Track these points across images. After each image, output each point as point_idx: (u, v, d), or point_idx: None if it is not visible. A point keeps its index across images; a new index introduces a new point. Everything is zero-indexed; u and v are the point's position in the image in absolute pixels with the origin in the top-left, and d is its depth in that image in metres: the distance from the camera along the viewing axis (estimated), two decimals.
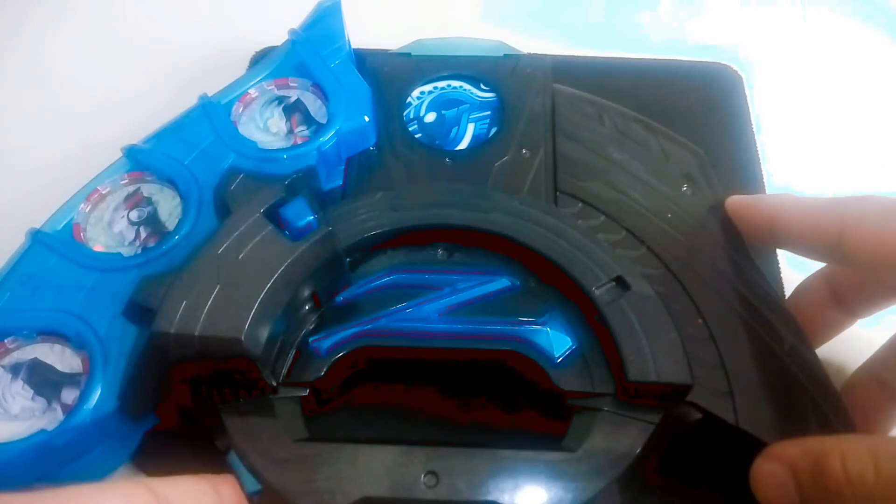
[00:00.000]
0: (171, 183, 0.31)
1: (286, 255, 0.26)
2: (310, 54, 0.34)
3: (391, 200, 0.29)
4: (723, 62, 0.39)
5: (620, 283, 0.27)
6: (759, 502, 0.24)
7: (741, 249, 0.29)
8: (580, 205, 0.30)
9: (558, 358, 0.27)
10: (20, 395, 0.26)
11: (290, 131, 0.33)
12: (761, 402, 0.25)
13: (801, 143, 0.38)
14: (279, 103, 0.34)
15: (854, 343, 0.29)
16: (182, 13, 0.43)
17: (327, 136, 0.32)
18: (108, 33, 0.42)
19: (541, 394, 0.27)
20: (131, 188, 0.31)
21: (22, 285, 0.27)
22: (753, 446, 0.24)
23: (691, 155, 0.32)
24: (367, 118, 0.32)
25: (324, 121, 0.33)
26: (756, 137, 0.37)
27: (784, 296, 0.30)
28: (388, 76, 0.36)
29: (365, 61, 0.36)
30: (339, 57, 0.34)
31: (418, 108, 0.35)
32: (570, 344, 0.27)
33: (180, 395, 0.26)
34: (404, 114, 0.35)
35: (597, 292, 0.27)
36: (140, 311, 0.26)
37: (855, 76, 0.41)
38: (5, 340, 0.27)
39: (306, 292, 0.27)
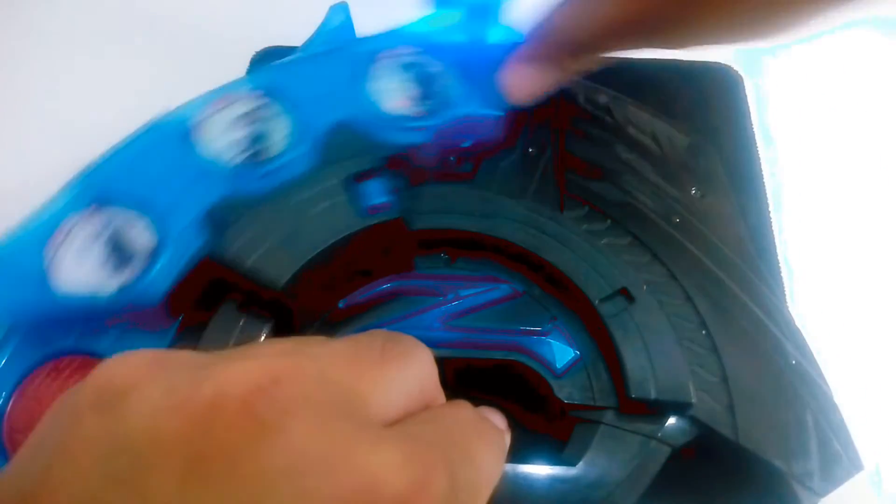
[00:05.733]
0: (286, 113, 0.30)
1: (345, 228, 0.26)
2: (465, 30, 0.32)
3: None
4: (723, 62, 0.38)
5: (625, 295, 0.27)
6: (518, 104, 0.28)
7: (748, 258, 0.29)
8: (587, 208, 0.30)
9: (560, 369, 0.26)
10: (91, 256, 0.27)
11: (413, 103, 0.31)
12: (762, 418, 0.25)
13: (801, 143, 0.38)
14: (411, 69, 0.32)
15: (858, 360, 0.29)
16: (182, 13, 0.42)
17: (454, 118, 0.30)
18: (108, 33, 0.42)
19: (542, 404, 0.27)
20: (252, 105, 0.30)
21: (132, 160, 0.28)
22: (753, 461, 0.25)
23: (703, 156, 0.32)
24: (502, 112, 0.31)
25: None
26: (756, 137, 0.36)
27: (787, 302, 0.30)
28: None
29: None
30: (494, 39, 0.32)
31: None
32: (573, 355, 0.27)
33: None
34: None
35: (600, 304, 0.26)
36: (214, 223, 0.27)
37: (855, 76, 0.41)
38: (93, 205, 0.27)
39: (356, 269, 0.28)
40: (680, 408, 0.25)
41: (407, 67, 0.31)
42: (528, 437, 0.27)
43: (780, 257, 0.32)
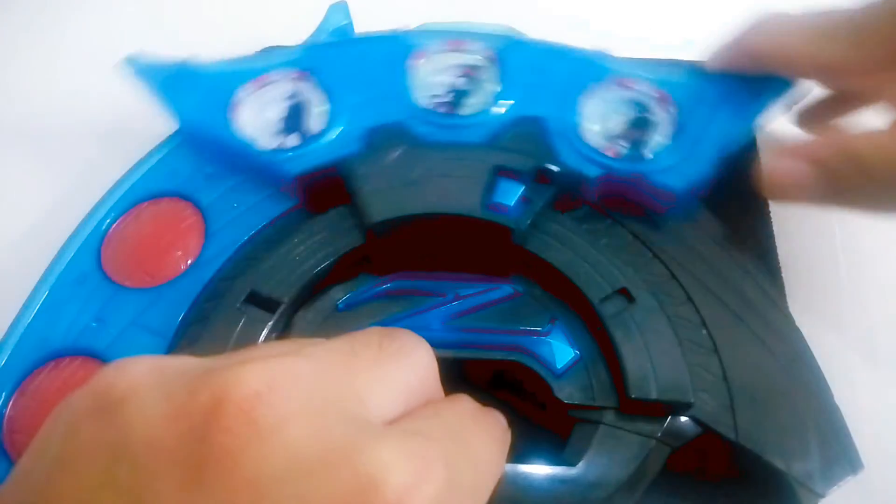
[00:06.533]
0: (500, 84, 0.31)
1: (458, 206, 0.27)
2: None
3: None
4: None
5: (625, 295, 0.27)
6: (772, 198, 0.26)
7: (749, 256, 0.29)
8: (587, 208, 0.30)
9: (560, 369, 0.26)
10: (273, 110, 0.31)
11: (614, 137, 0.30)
12: (762, 418, 0.25)
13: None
14: (637, 108, 0.31)
15: (859, 360, 0.29)
16: (181, 12, 0.42)
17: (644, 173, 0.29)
18: (108, 33, 0.42)
19: (541, 404, 0.27)
20: (478, 62, 0.32)
21: (355, 53, 0.32)
22: (752, 460, 0.25)
23: None
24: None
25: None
26: (756, 137, 0.36)
27: (786, 300, 0.30)
28: None
29: None
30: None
31: None
32: (573, 355, 0.27)
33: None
34: None
35: (600, 304, 0.26)
36: (370, 141, 0.29)
37: None
38: (301, 72, 0.31)
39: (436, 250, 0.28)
40: (680, 408, 0.25)
41: (634, 104, 0.31)
42: (528, 437, 0.27)
43: (779, 257, 0.32)
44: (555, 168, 0.29)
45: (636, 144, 0.30)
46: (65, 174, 0.35)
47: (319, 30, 0.34)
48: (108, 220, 0.29)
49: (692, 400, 0.25)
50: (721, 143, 0.29)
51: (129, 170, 0.30)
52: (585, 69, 0.31)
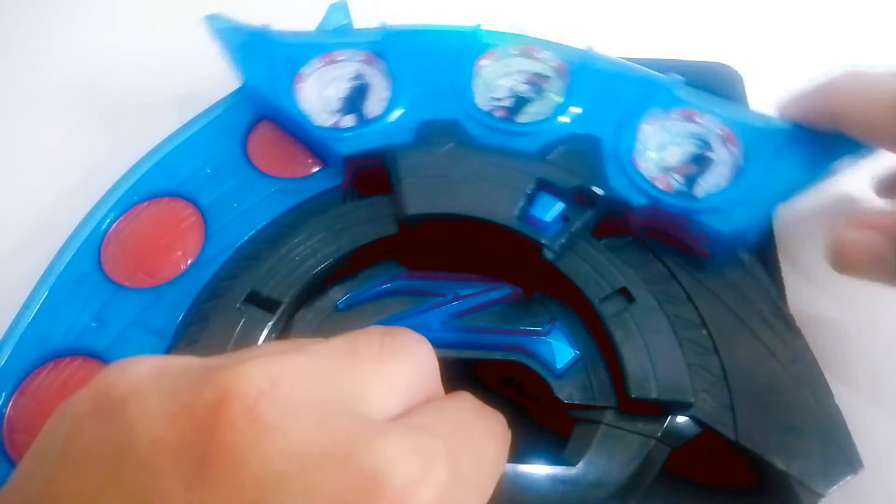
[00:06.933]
0: (565, 97, 0.31)
1: (493, 213, 0.27)
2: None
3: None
4: (723, 62, 0.38)
5: (625, 295, 0.27)
6: (839, 271, 0.25)
7: (748, 258, 0.29)
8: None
9: (561, 369, 0.26)
10: (337, 88, 0.31)
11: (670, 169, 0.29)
12: (762, 418, 0.25)
13: None
14: (696, 142, 0.30)
15: (856, 358, 0.29)
16: (181, 12, 0.41)
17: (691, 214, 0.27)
18: (105, 34, 0.42)
19: (542, 404, 0.27)
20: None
21: (427, 45, 0.32)
22: (752, 460, 0.25)
23: None
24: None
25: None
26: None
27: (786, 300, 0.30)
28: None
29: None
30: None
31: None
32: (573, 355, 0.27)
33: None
34: None
35: (600, 304, 0.26)
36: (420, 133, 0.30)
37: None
38: (373, 55, 0.32)
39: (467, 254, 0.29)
40: (680, 408, 0.25)
41: (696, 138, 0.30)
42: (528, 437, 0.27)
43: (780, 257, 0.32)
44: (599, 191, 0.28)
45: (690, 180, 0.29)
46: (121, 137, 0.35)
47: (319, 29, 0.34)
48: (107, 221, 0.29)
49: (692, 400, 0.25)
50: (780, 195, 0.28)
51: (129, 170, 0.30)
52: (653, 94, 0.30)
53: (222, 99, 0.32)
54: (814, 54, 0.41)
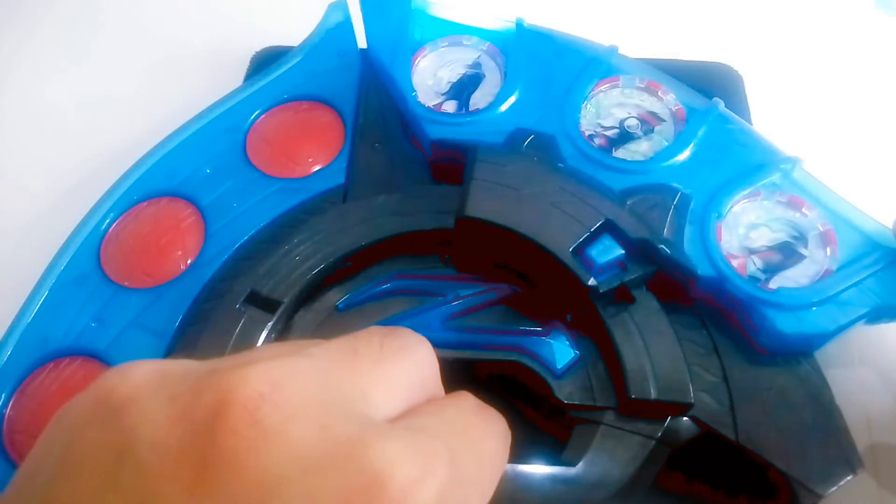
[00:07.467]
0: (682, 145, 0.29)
1: (552, 241, 0.26)
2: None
3: (393, 205, 0.29)
4: (723, 62, 0.38)
5: (625, 295, 0.27)
6: None
7: None
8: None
9: (561, 369, 0.26)
10: (450, 72, 0.31)
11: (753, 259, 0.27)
12: (762, 418, 0.25)
13: (801, 143, 0.38)
14: (791, 232, 0.28)
15: (855, 354, 0.29)
16: (181, 12, 0.42)
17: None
18: (106, 34, 0.42)
19: (542, 404, 0.27)
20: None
21: (535, 55, 0.32)
22: (753, 461, 0.25)
23: None
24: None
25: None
26: None
27: None
28: None
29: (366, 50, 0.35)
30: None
31: None
32: (573, 355, 0.27)
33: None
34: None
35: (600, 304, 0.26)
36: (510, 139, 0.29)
37: (855, 76, 0.40)
38: (494, 48, 0.31)
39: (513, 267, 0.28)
40: (680, 408, 0.25)
41: (794, 227, 0.28)
42: (528, 437, 0.27)
43: None
44: (666, 250, 0.26)
45: (769, 269, 0.27)
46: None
47: (319, 29, 0.34)
48: (107, 221, 0.29)
49: (692, 400, 0.25)
50: (862, 315, 0.26)
51: (129, 170, 0.30)
52: (765, 168, 0.28)
53: (222, 99, 0.32)
54: (814, 54, 0.41)
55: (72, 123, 0.38)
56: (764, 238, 0.27)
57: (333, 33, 0.34)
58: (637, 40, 0.38)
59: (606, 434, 0.25)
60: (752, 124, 0.36)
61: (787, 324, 0.25)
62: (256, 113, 0.32)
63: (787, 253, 0.27)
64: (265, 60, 0.36)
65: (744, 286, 0.26)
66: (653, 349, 0.25)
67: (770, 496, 0.25)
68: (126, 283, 0.28)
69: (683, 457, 0.26)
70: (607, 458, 0.25)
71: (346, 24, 0.34)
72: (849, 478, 0.24)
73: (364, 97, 0.33)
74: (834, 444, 0.25)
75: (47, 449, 0.16)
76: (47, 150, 0.37)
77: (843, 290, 0.26)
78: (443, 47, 0.32)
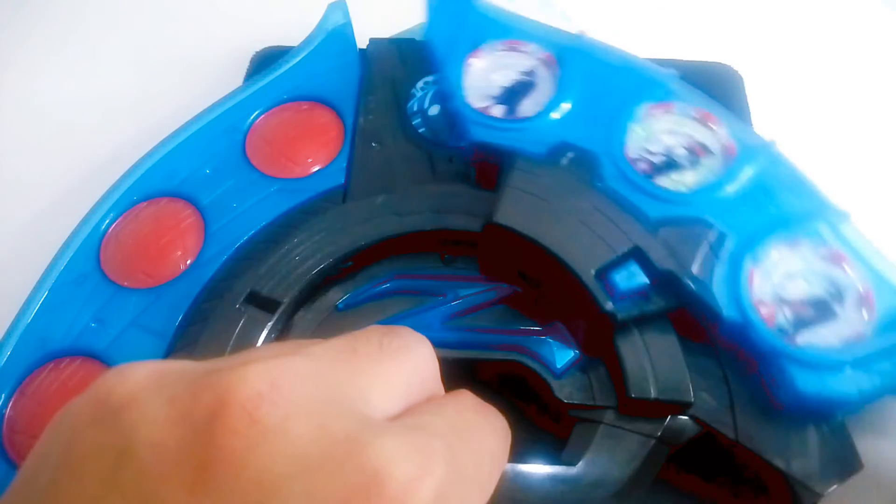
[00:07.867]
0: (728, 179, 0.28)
1: (577, 262, 0.26)
2: None
3: (393, 205, 0.29)
4: (723, 62, 0.38)
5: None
6: None
7: None
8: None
9: (560, 369, 0.26)
10: (504, 76, 0.31)
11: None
12: (762, 418, 0.25)
13: (801, 144, 0.38)
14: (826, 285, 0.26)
15: None
16: (181, 12, 0.42)
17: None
18: (106, 34, 0.42)
19: (542, 404, 0.27)
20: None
21: (592, 72, 0.31)
22: (753, 461, 0.25)
23: None
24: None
25: None
26: None
27: None
28: (389, 64, 0.35)
29: (366, 50, 0.35)
30: None
31: (422, 99, 0.34)
32: (573, 355, 0.27)
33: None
34: (408, 106, 0.34)
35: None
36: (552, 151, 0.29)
37: (855, 76, 0.40)
38: (552, 55, 0.31)
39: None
40: (680, 408, 0.25)
41: (831, 283, 0.26)
42: (528, 437, 0.27)
43: None
44: (692, 286, 0.26)
45: (798, 323, 0.25)
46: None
47: (318, 29, 0.34)
48: (107, 221, 0.29)
49: (692, 399, 0.25)
50: (891, 388, 0.24)
51: (129, 170, 0.30)
52: (811, 217, 0.27)
53: (222, 99, 0.32)
54: (814, 55, 0.41)
55: (71, 123, 0.38)
56: (799, 290, 0.26)
57: (333, 33, 0.34)
58: (637, 40, 0.38)
59: (606, 433, 0.25)
60: (752, 125, 0.36)
61: (808, 383, 0.24)
62: (256, 113, 0.32)
63: (821, 309, 0.26)
64: (265, 60, 0.35)
65: (768, 337, 0.25)
66: (653, 349, 0.25)
67: (770, 495, 0.25)
68: (126, 284, 0.28)
69: (683, 456, 0.26)
70: (607, 457, 0.25)
71: (346, 25, 0.34)
72: (848, 477, 0.24)
73: (364, 97, 0.33)
74: (834, 443, 0.25)
75: (47, 450, 0.16)
76: (47, 150, 0.37)
77: (874, 357, 0.24)
78: (500, 51, 0.31)
